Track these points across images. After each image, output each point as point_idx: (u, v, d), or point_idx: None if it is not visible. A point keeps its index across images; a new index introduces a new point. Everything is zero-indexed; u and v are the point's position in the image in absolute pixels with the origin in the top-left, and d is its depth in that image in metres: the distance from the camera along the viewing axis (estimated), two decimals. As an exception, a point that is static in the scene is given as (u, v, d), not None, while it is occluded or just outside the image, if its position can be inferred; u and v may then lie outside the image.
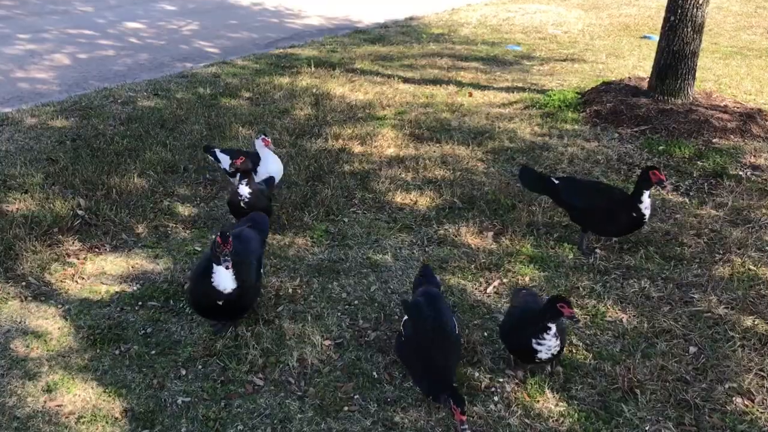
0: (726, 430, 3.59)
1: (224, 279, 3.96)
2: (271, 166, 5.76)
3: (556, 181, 5.34)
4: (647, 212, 5.02)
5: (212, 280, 3.96)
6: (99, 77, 9.93)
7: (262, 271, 4.50)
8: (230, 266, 3.90)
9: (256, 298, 4.44)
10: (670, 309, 4.59)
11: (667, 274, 4.99)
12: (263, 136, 5.73)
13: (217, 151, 6.01)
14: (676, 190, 6.32)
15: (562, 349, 3.79)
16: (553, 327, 3.67)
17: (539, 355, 3.72)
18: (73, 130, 7.59)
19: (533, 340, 3.69)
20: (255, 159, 5.64)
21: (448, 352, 3.65)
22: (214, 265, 3.94)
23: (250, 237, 4.47)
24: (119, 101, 8.63)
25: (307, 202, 6.04)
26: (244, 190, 5.02)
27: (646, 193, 4.97)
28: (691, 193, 6.26)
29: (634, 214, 4.99)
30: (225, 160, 5.88)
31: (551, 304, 3.69)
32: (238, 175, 5.08)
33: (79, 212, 5.69)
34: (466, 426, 3.28)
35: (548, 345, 3.68)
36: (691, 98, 8.07)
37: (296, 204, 6.00)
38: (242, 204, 5.03)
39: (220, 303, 4.02)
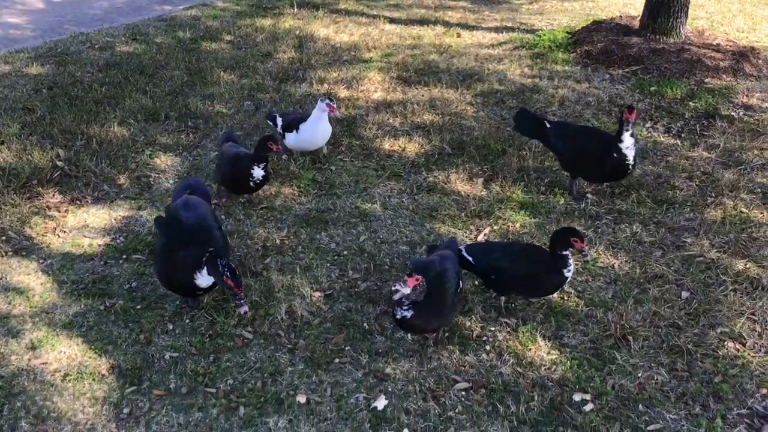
0: (718, 375, 3.58)
1: (206, 279, 3.71)
2: (317, 133, 5.49)
3: (548, 125, 5.22)
4: (629, 153, 4.84)
5: (195, 278, 3.70)
6: (75, 21, 9.59)
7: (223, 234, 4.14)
8: (246, 310, 3.67)
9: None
10: (663, 254, 4.55)
11: (659, 219, 4.94)
12: (328, 101, 5.31)
13: (278, 116, 5.68)
14: (668, 132, 6.23)
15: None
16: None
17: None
18: (50, 77, 7.34)
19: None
20: (298, 121, 5.47)
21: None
22: (204, 272, 3.69)
23: (202, 212, 4.06)
24: (96, 47, 8.34)
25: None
26: (259, 173, 4.78)
27: (627, 133, 4.81)
28: (683, 135, 6.17)
29: (615, 155, 4.85)
30: (280, 123, 5.65)
31: (562, 235, 3.76)
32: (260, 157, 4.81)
33: (59, 163, 5.53)
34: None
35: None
36: (683, 37, 7.89)
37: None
38: (251, 184, 4.85)
39: (200, 293, 3.91)
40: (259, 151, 4.76)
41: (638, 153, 5.73)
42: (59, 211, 5.03)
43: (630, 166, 4.92)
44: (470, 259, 3.95)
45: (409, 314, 3.43)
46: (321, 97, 5.27)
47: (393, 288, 3.40)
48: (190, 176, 5.50)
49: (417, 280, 3.37)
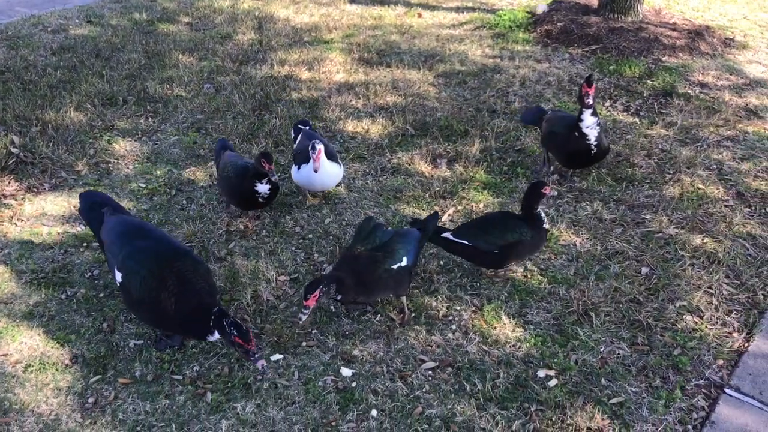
0: (677, 348, 3.68)
1: (218, 337, 3.33)
2: (314, 181, 4.67)
3: (549, 112, 5.26)
4: (590, 133, 4.81)
5: (208, 338, 3.35)
6: (26, 3, 9.30)
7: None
8: (264, 365, 3.28)
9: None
10: (623, 231, 4.64)
11: (619, 196, 5.02)
12: (312, 147, 4.50)
13: (302, 133, 4.96)
14: (627, 111, 6.32)
15: None
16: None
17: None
18: (1, 61, 7.13)
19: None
20: (305, 158, 4.62)
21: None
22: (216, 333, 3.30)
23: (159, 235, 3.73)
24: (49, 29, 8.12)
25: (255, 132, 5.85)
26: (264, 188, 4.41)
27: (587, 111, 4.77)
28: (641, 113, 6.27)
29: (576, 134, 4.85)
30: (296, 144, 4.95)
31: (534, 193, 4.01)
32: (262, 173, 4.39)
33: (14, 150, 5.39)
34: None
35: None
36: (640, 16, 7.99)
37: (243, 135, 5.80)
38: (260, 200, 4.48)
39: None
40: (257, 167, 4.36)
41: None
42: (15, 200, 4.92)
43: (593, 147, 4.87)
44: (464, 242, 3.99)
45: (338, 297, 3.55)
46: (313, 142, 4.48)
47: (298, 319, 3.53)
48: (150, 162, 5.42)
49: (315, 296, 3.39)
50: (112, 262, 3.53)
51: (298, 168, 4.66)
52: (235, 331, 3.16)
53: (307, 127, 5.02)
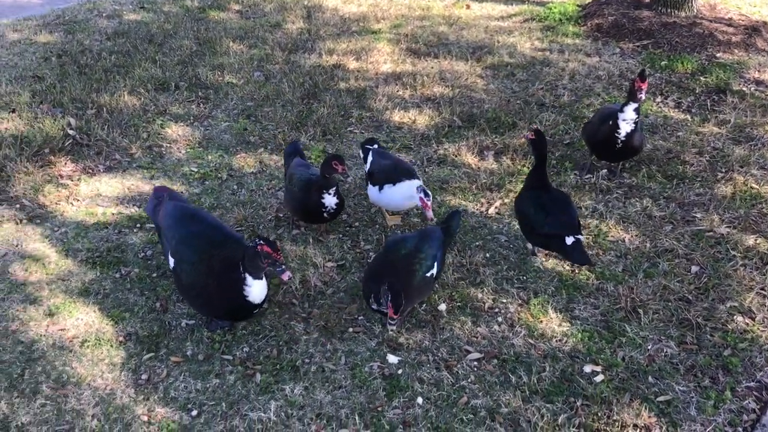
0: (727, 348, 3.63)
1: (259, 289, 3.45)
2: (400, 204, 4.41)
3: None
4: (623, 126, 4.72)
5: (246, 294, 3.42)
6: (81, -11, 9.52)
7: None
8: (289, 275, 3.38)
9: None
10: (672, 228, 4.58)
11: (669, 193, 4.95)
12: (423, 195, 4.17)
13: (371, 152, 4.66)
14: (678, 107, 6.21)
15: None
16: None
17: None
18: (58, 45, 7.32)
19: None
20: (386, 179, 4.35)
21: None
22: (248, 276, 3.40)
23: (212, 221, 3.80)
24: (104, 15, 8.30)
25: (303, 121, 5.90)
26: (331, 201, 4.20)
27: (630, 106, 4.69)
28: (693, 110, 6.16)
29: (610, 122, 4.75)
30: (368, 163, 4.64)
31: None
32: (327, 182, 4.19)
33: (70, 132, 5.54)
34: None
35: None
36: (695, 11, 7.84)
37: (292, 123, 5.86)
38: (326, 215, 4.27)
39: (256, 311, 3.61)
40: (325, 173, 4.13)
41: (648, 128, 5.75)
42: (72, 180, 5.06)
43: (620, 141, 4.76)
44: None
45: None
46: (418, 186, 4.17)
47: (389, 330, 3.60)
48: (201, 147, 5.53)
49: (391, 308, 3.40)
50: (167, 247, 3.62)
51: (380, 188, 4.33)
52: (261, 241, 3.29)
53: (375, 146, 4.70)
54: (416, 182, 4.23)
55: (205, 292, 3.48)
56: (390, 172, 4.33)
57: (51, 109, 5.88)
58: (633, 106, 4.70)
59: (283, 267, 3.34)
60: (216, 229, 3.67)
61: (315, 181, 4.21)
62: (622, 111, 4.73)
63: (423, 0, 9.14)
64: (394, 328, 3.59)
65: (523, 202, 4.18)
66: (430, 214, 4.14)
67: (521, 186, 4.99)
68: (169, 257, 3.60)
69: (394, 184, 4.27)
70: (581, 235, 3.96)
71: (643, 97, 4.68)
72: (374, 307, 3.57)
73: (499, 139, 5.65)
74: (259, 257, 3.31)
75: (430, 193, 4.13)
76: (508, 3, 9.03)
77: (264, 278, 3.46)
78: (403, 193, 4.25)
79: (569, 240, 3.90)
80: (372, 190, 4.43)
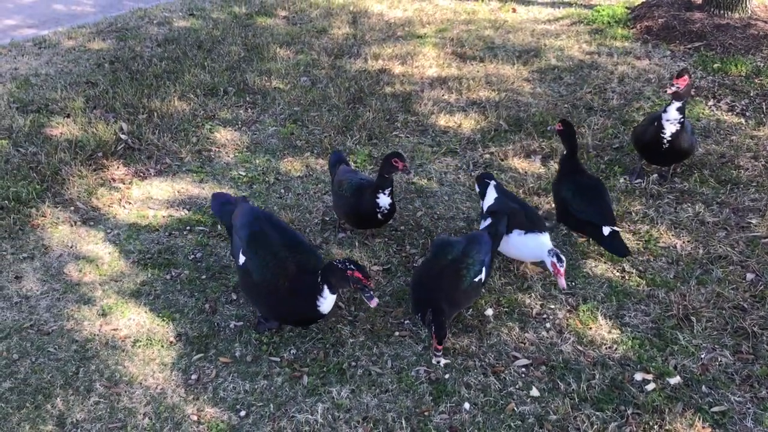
0: (784, 359, 3.53)
1: (330, 302, 3.46)
2: (523, 253, 4.07)
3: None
4: (668, 127, 4.63)
5: (318, 304, 3.42)
6: (132, -3, 9.75)
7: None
8: (377, 302, 3.35)
9: None
10: (726, 234, 4.46)
11: (723, 199, 4.83)
12: (556, 260, 3.75)
13: (492, 186, 4.30)
14: (732, 110, 6.06)
15: None
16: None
17: None
18: (111, 52, 7.50)
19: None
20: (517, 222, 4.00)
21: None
22: (326, 290, 3.40)
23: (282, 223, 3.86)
24: (155, 22, 8.48)
25: (349, 125, 5.93)
26: (385, 201, 4.16)
27: (673, 105, 4.60)
28: (747, 114, 6.00)
29: (656, 124, 4.70)
30: (490, 199, 4.21)
31: None
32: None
33: (122, 136, 5.66)
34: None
35: None
36: (749, 12, 7.65)
37: (338, 128, 5.90)
38: (379, 216, 4.22)
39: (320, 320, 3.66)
40: (385, 172, 4.11)
41: (700, 132, 5.63)
42: (124, 183, 5.17)
43: (665, 141, 4.69)
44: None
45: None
46: (551, 250, 3.77)
47: (437, 363, 3.54)
48: (249, 151, 5.60)
49: (435, 338, 3.41)
50: (238, 245, 3.67)
51: (508, 233, 3.97)
52: (351, 266, 3.27)
53: (493, 182, 4.35)
54: (548, 239, 3.90)
55: (276, 293, 3.48)
56: (520, 218, 3.97)
57: (104, 114, 6.03)
58: (676, 105, 4.61)
59: (372, 293, 3.31)
60: (290, 234, 3.69)
61: (368, 184, 4.23)
62: (665, 111, 4.66)
63: (468, 4, 9.11)
64: (441, 360, 3.53)
65: (562, 186, 4.32)
66: (563, 282, 3.72)
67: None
68: (240, 255, 3.63)
69: (525, 233, 3.90)
70: (616, 227, 4.05)
71: (672, 91, 4.58)
72: (421, 322, 3.55)
73: (546, 143, 5.59)
74: (348, 281, 3.31)
75: (563, 258, 3.71)
76: (555, 6, 8.94)
77: (336, 293, 3.45)
78: (533, 246, 3.87)
79: (606, 230, 4.01)
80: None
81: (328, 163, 4.88)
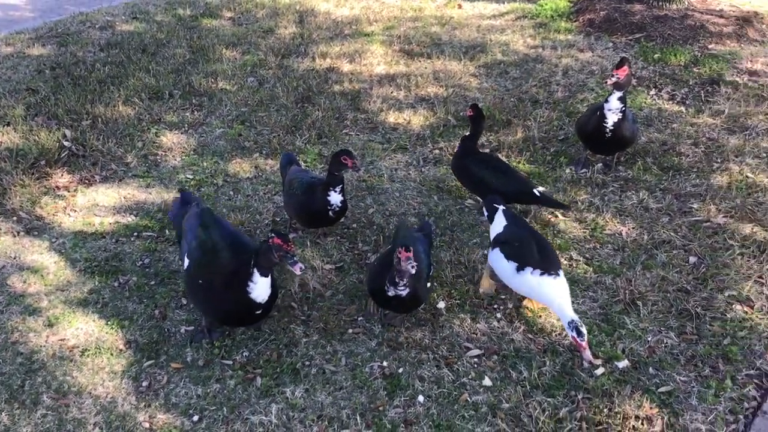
0: (726, 337, 3.63)
1: (263, 288, 3.37)
2: (533, 292, 3.66)
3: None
4: (610, 117, 4.72)
5: (249, 290, 3.34)
6: (74, 1, 9.55)
7: None
8: (302, 267, 3.25)
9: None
10: (670, 220, 4.58)
11: (666, 185, 4.96)
12: (576, 335, 3.33)
13: (501, 209, 4.00)
14: (672, 99, 6.22)
15: None
16: None
17: None
18: (52, 58, 7.33)
19: None
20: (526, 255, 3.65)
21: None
22: (257, 273, 3.33)
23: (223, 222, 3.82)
24: (97, 26, 8.32)
25: (298, 125, 5.91)
26: (337, 198, 4.16)
27: (614, 95, 4.71)
28: (687, 102, 6.16)
29: (598, 113, 4.79)
30: (498, 227, 3.91)
31: None
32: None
33: (66, 143, 5.54)
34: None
35: None
36: (686, 3, 7.86)
37: (287, 127, 5.87)
38: (331, 214, 4.21)
39: (258, 312, 3.46)
40: (334, 170, 4.10)
41: (643, 121, 5.76)
42: (69, 191, 5.06)
43: (608, 131, 4.76)
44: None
45: (405, 293, 3.43)
46: (570, 322, 3.34)
47: (409, 266, 3.31)
48: (197, 154, 5.54)
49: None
50: (184, 249, 3.64)
51: (519, 268, 3.59)
52: (273, 234, 3.24)
53: (502, 207, 4.03)
54: (565, 287, 3.54)
55: (212, 289, 3.45)
56: (533, 255, 3.60)
57: (46, 122, 5.89)
58: (617, 95, 4.72)
59: (295, 259, 3.25)
60: (235, 237, 3.65)
61: (319, 182, 4.21)
62: (607, 101, 4.77)
63: (415, 1, 9.16)
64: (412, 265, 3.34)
65: (472, 166, 4.53)
66: (588, 356, 3.35)
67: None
68: (185, 258, 3.60)
69: (541, 274, 3.52)
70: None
71: (612, 81, 4.67)
72: (390, 293, 3.46)
73: (494, 137, 5.65)
74: (272, 251, 3.25)
75: (584, 331, 3.32)
76: (500, 1, 9.05)
77: (270, 278, 3.38)
78: (548, 292, 3.51)
79: (537, 191, 4.36)
80: (504, 264, 3.68)
81: (279, 165, 4.84)
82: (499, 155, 5.35)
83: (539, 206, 4.60)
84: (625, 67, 4.69)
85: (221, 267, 3.45)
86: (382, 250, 4.24)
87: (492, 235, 3.90)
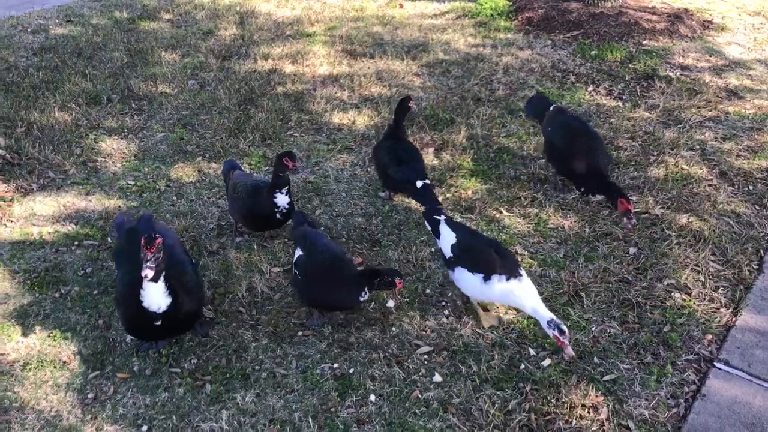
0: (666, 324, 3.75)
1: (155, 295, 3.22)
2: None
3: (552, 108, 5.00)
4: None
5: (141, 299, 3.22)
6: (3, 5, 9.23)
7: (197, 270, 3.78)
8: (153, 275, 3.12)
9: (202, 308, 3.68)
10: (610, 212, 4.70)
11: (605, 179, 5.08)
12: (557, 332, 3.37)
13: (443, 220, 3.92)
14: (610, 95, 6.38)
15: None
16: None
17: None
18: (-18, 63, 7.08)
19: None
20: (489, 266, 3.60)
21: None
22: (144, 281, 3.18)
23: (166, 232, 3.72)
24: (29, 30, 8.07)
25: (241, 127, 5.85)
26: (283, 200, 4.11)
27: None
28: (624, 97, 6.33)
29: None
30: (449, 238, 3.77)
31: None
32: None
33: (0, 152, 5.37)
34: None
35: None
36: (620, 1, 8.07)
37: (230, 130, 5.80)
38: (278, 215, 4.15)
39: (158, 323, 3.30)
40: (278, 171, 4.06)
41: (582, 116, 5.90)
42: (4, 201, 4.90)
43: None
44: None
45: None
46: (550, 321, 3.38)
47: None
48: (138, 159, 5.43)
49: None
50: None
51: (486, 279, 3.54)
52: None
53: (443, 216, 3.98)
54: (532, 288, 3.54)
55: (118, 301, 3.45)
56: (496, 262, 3.56)
57: (-22, 129, 5.69)
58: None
59: (151, 264, 3.10)
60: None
61: (264, 185, 4.18)
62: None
63: (356, 1, 9.16)
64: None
65: (380, 152, 4.78)
66: (570, 352, 3.39)
67: (462, 180, 5.07)
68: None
69: (507, 279, 3.51)
70: (428, 180, 4.53)
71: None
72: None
73: (438, 135, 5.71)
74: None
75: (565, 328, 3.35)
76: (441, 1, 9.13)
77: (163, 286, 3.22)
78: (519, 294, 3.51)
79: (419, 183, 4.45)
80: (469, 279, 3.62)
81: (221, 171, 4.78)
82: (443, 153, 5.41)
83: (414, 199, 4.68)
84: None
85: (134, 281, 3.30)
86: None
87: (446, 251, 3.76)
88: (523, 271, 3.59)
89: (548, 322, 3.38)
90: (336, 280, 3.60)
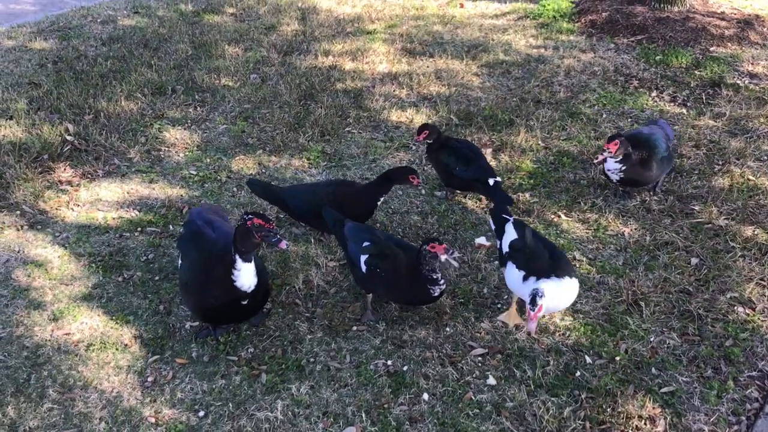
0: (728, 339, 3.65)
1: (246, 275, 3.28)
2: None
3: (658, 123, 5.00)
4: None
5: (234, 279, 3.27)
6: (74, -5, 9.52)
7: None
8: (286, 244, 3.19)
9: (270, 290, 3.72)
10: (672, 221, 4.60)
11: (667, 186, 4.98)
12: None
13: (511, 221, 3.83)
14: (674, 101, 6.24)
15: None
16: None
17: None
18: (54, 51, 7.32)
19: None
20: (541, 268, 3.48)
21: None
22: (238, 259, 3.24)
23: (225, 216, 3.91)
24: (99, 20, 8.30)
25: (301, 122, 5.92)
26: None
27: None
28: (688, 104, 6.19)
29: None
30: (507, 241, 3.71)
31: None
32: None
33: (68, 138, 5.54)
34: None
35: None
36: (687, 5, 7.88)
37: (290, 125, 5.87)
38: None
39: (245, 302, 3.36)
40: (401, 183, 4.42)
41: (645, 123, 5.78)
42: (72, 186, 5.06)
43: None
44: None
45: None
46: (535, 290, 3.32)
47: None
48: (200, 150, 5.54)
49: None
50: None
51: (525, 278, 3.48)
52: (249, 216, 3.17)
53: (512, 218, 3.87)
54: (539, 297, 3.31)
55: (196, 286, 3.42)
56: (537, 262, 3.49)
57: (48, 116, 5.88)
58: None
59: (279, 236, 3.16)
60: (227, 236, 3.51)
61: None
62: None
63: (417, 0, 9.16)
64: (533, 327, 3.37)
65: (442, 152, 4.73)
66: (533, 326, 3.35)
67: (520, 182, 5.03)
68: (180, 259, 3.65)
69: (560, 278, 3.40)
70: (499, 178, 4.57)
71: (603, 156, 4.56)
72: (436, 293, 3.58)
73: (496, 136, 5.67)
74: (251, 232, 3.16)
75: (540, 303, 3.26)
76: (502, 1, 9.06)
77: (253, 263, 3.29)
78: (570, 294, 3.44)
79: (491, 181, 4.50)
80: (514, 273, 3.56)
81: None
82: (501, 154, 5.37)
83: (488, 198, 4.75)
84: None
85: (206, 266, 3.40)
86: None
87: (504, 248, 3.71)
88: (565, 275, 3.41)
89: (533, 289, 3.30)
90: (413, 275, 3.58)
